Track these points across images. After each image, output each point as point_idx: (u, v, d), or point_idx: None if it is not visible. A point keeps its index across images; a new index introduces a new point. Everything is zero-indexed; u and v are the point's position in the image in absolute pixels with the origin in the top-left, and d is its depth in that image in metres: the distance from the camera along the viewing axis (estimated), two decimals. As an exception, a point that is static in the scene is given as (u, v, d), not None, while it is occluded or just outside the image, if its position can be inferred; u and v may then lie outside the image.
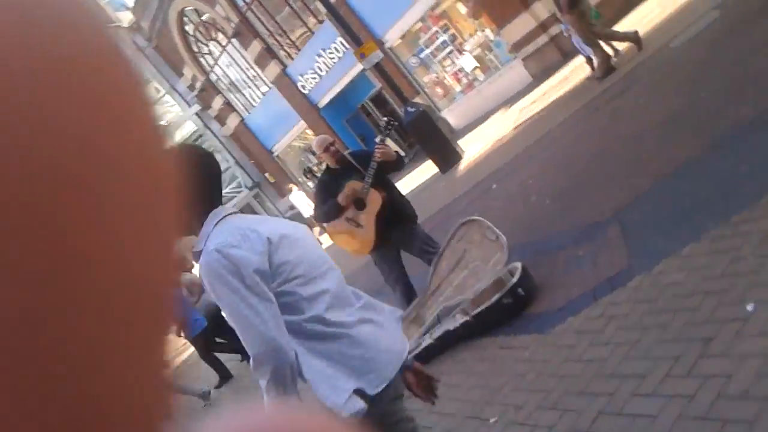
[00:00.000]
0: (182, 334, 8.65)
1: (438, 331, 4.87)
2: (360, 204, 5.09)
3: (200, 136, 27.59)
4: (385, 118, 5.63)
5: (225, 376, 9.17)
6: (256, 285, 2.00)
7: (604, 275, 4.09)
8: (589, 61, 10.24)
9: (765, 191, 3.52)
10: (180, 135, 27.37)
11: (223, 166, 27.07)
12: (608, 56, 9.59)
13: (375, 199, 5.07)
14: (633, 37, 9.30)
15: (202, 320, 8.74)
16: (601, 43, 9.60)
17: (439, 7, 16.80)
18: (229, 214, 2.16)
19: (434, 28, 17.11)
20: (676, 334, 3.00)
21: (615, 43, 9.94)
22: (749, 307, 2.79)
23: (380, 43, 17.08)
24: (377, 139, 5.22)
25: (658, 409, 2.63)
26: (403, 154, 19.36)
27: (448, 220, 7.75)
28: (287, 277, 2.08)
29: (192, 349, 9.55)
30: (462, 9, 16.40)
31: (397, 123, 5.61)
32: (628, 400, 2.82)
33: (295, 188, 19.82)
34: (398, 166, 5.25)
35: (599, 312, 3.70)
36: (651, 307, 3.36)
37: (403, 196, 5.42)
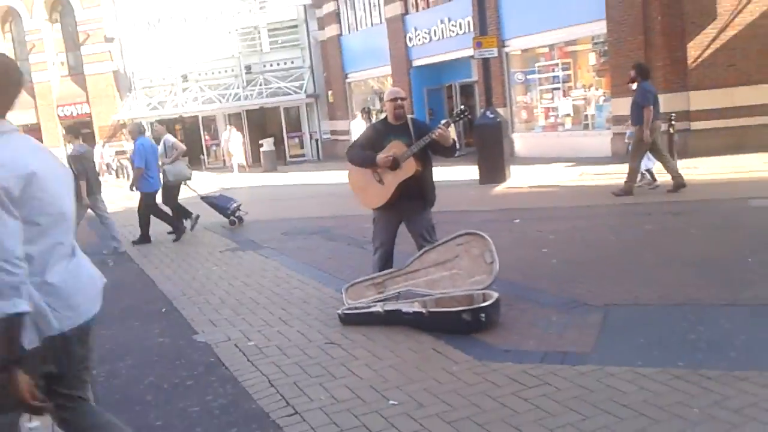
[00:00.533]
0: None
1: (391, 306, 4.90)
2: (394, 164, 5.09)
3: (295, 26, 27.48)
4: (462, 107, 5.59)
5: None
6: (4, 202, 2.09)
7: (561, 347, 4.11)
8: (649, 174, 10.29)
9: (743, 367, 3.54)
10: (277, 17, 27.21)
11: (298, 64, 27.21)
12: (678, 173, 9.62)
13: (409, 168, 5.08)
14: (675, 174, 9.55)
15: (158, 183, 9.93)
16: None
17: (573, 45, 16.57)
18: (10, 131, 2.25)
19: (557, 60, 16.90)
20: (586, 430, 3.01)
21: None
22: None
23: (501, 44, 16.93)
24: (444, 121, 5.21)
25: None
26: (457, 146, 19.31)
27: (458, 224, 7.72)
28: (31, 213, 2.18)
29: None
30: (592, 60, 16.16)
31: (469, 117, 5.57)
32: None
33: (360, 116, 19.80)
34: (448, 153, 5.23)
35: (537, 373, 3.72)
36: (582, 397, 3.37)
37: (432, 179, 5.40)
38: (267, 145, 23.88)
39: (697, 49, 13.43)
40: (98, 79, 29.87)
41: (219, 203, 10.94)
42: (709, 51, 13.38)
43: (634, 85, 9.72)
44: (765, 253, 5.88)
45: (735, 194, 8.98)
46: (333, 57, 25.50)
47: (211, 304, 5.97)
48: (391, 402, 3.53)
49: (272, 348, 4.59)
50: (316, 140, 27.46)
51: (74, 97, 30.48)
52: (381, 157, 5.12)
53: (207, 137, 29.50)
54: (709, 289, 4.97)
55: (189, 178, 10.72)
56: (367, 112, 20.86)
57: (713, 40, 13.33)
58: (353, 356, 4.28)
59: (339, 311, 5.05)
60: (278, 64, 27.79)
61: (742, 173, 10.74)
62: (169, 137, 10.62)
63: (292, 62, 27.69)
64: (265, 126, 28.57)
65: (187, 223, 10.32)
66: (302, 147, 28.17)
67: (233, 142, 24.34)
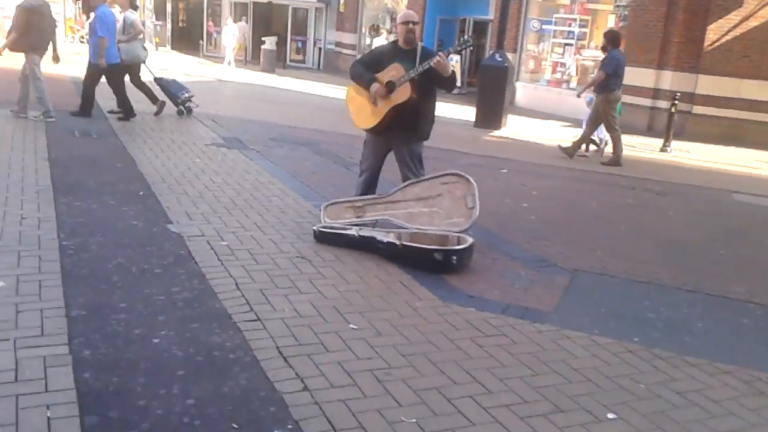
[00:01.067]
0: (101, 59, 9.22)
1: (366, 232, 4.93)
2: (390, 87, 5.05)
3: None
4: (466, 37, 5.46)
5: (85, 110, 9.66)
6: None
7: (524, 303, 4.20)
8: (593, 143, 10.59)
9: (695, 354, 3.65)
10: None
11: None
12: (621, 149, 9.88)
13: (403, 93, 5.04)
14: (617, 152, 9.82)
15: (117, 56, 9.54)
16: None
17: (595, 3, 16.22)
18: None
19: (575, 15, 16.55)
20: (533, 387, 3.12)
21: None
22: (610, 416, 2.91)
23: (523, -13, 16.50)
24: (444, 51, 5.12)
25: (474, 418, 2.76)
26: (459, 83, 19.06)
27: (445, 162, 7.75)
28: None
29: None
30: (611, 22, 15.86)
31: (471, 47, 5.48)
32: (457, 397, 2.94)
33: (385, 32, 19.32)
34: (446, 84, 5.17)
35: (497, 324, 3.81)
36: (536, 354, 3.47)
37: (431, 115, 5.34)
38: (269, 43, 23.28)
39: (716, 32, 13.25)
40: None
41: (171, 89, 10.72)
42: (727, 37, 13.21)
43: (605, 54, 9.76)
44: (737, 248, 6.00)
45: (721, 185, 9.07)
46: (350, -36, 24.69)
47: (189, 195, 5.95)
48: (351, 326, 3.60)
49: (243, 252, 4.62)
50: (320, 48, 26.87)
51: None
52: (375, 86, 5.09)
53: (210, 23, 28.71)
54: (675, 272, 5.07)
55: (143, 61, 10.39)
56: (375, 29, 20.39)
57: (734, 27, 13.14)
58: (321, 275, 4.33)
59: (315, 227, 5.07)
60: (295, -39, 26.86)
61: (732, 165, 10.83)
62: (129, 14, 10.13)
63: (309, -38, 26.79)
64: (270, 23, 27.82)
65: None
66: (304, 53, 27.58)
67: (227, 33, 23.59)
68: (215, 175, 6.84)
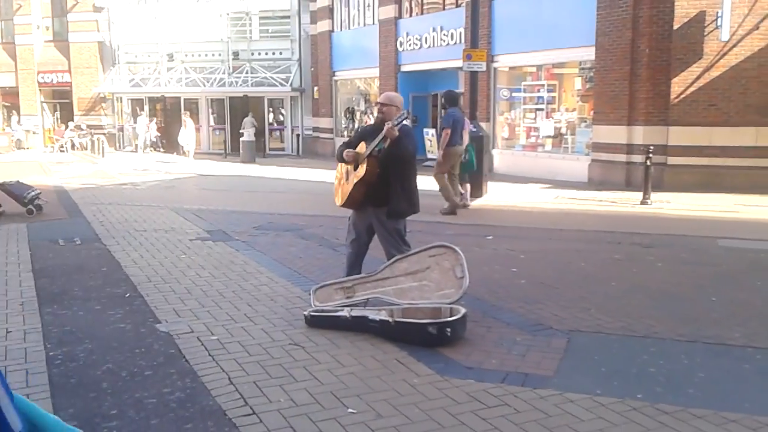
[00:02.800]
0: None
1: (358, 312, 4.89)
2: (354, 163, 5.26)
3: (287, 17, 27.34)
4: (403, 111, 5.47)
5: None
6: None
7: (524, 369, 4.14)
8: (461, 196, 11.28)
9: (700, 405, 3.59)
10: (269, 5, 26.99)
11: (286, 55, 27.02)
12: (452, 195, 10.72)
13: (361, 168, 5.21)
14: (454, 203, 10.67)
15: None
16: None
17: (561, 68, 16.74)
18: None
19: (543, 81, 17.06)
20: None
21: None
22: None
23: (490, 59, 17.01)
24: (389, 123, 5.10)
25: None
26: (434, 156, 19.33)
27: (430, 234, 7.79)
28: None
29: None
30: (578, 84, 16.34)
31: (408, 119, 5.48)
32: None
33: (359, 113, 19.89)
34: (395, 152, 5.11)
35: (497, 393, 3.74)
36: (540, 421, 3.40)
37: (406, 192, 5.25)
38: (247, 135, 23.71)
39: (680, 85, 13.65)
40: (82, 49, 29.40)
41: (15, 191, 10.80)
42: (692, 89, 13.60)
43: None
44: (729, 293, 5.99)
45: (704, 232, 9.13)
46: (322, 52, 25.41)
47: (177, 293, 5.90)
48: (350, 410, 3.52)
49: (235, 344, 4.55)
50: (298, 135, 27.34)
51: (56, 64, 29.97)
52: (346, 151, 5.28)
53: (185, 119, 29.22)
54: (671, 324, 5.04)
55: None
56: (351, 112, 20.83)
57: (697, 78, 13.55)
58: (316, 360, 4.26)
59: (306, 312, 5.03)
60: (266, 54, 27.61)
61: (713, 212, 10.93)
62: None
63: (281, 53, 27.53)
64: (247, 115, 28.38)
65: None
66: (282, 141, 28.05)
67: (185, 130, 24.08)
68: (201, 269, 6.80)
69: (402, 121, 5.30)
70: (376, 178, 5.13)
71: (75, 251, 7.84)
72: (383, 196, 5.21)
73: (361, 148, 5.25)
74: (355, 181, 5.16)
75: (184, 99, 28.40)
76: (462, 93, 18.57)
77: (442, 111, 10.79)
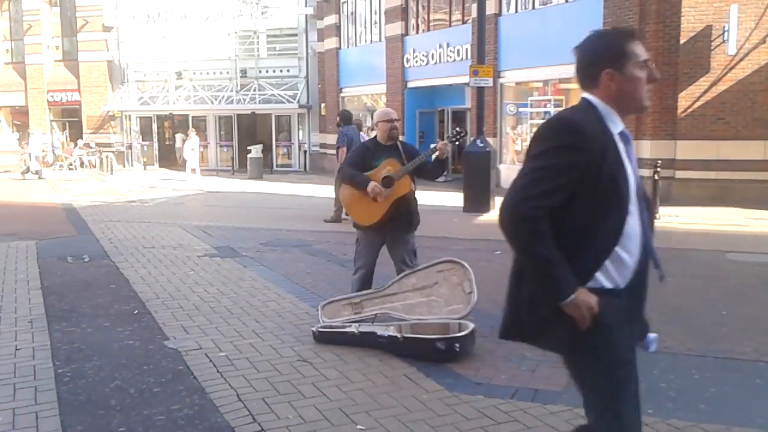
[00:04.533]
0: None
1: (366, 328, 4.88)
2: (388, 182, 5.11)
3: (294, 35, 27.54)
4: (458, 128, 5.61)
5: None
6: None
7: (533, 384, 4.12)
8: None
9: (711, 420, 3.56)
10: (277, 24, 27.21)
11: (294, 73, 27.19)
12: (342, 208, 10.90)
13: (403, 186, 5.13)
14: (337, 212, 11.35)
15: None
16: None
17: (567, 83, 16.77)
18: None
19: (549, 96, 17.09)
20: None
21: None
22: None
23: (497, 74, 17.09)
24: (440, 141, 5.27)
25: None
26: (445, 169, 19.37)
27: (438, 250, 7.78)
28: None
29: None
30: (584, 98, 16.33)
31: (464, 137, 5.62)
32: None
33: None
34: (436, 171, 5.29)
35: (507, 409, 3.72)
36: (551, 437, 3.37)
37: (416, 203, 5.42)
38: (255, 152, 23.85)
39: (687, 99, 13.65)
40: (91, 68, 29.68)
41: None
42: (699, 103, 13.60)
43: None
44: (739, 307, 5.95)
45: (714, 246, 9.09)
46: (329, 70, 25.57)
47: (185, 309, 5.90)
48: (358, 427, 3.50)
49: (243, 361, 4.54)
50: (305, 151, 27.45)
51: (65, 83, 30.25)
52: (372, 185, 5.12)
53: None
54: (681, 338, 5.01)
55: None
56: (358, 127, 20.86)
57: (704, 92, 13.56)
58: (324, 376, 4.25)
59: (314, 328, 5.02)
60: (274, 71, 27.82)
61: (722, 226, 10.90)
62: None
63: (288, 71, 27.72)
64: (255, 132, 28.54)
65: None
66: (289, 157, 28.16)
67: (188, 146, 24.11)
68: (209, 285, 6.81)
69: (459, 139, 5.40)
70: (413, 194, 5.23)
71: (83, 268, 7.87)
72: (406, 211, 5.25)
73: (393, 165, 5.16)
74: (397, 197, 5.14)
75: (192, 117, 28.58)
76: (469, 108, 18.64)
77: (338, 129, 11.67)
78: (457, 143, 5.57)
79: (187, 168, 23.12)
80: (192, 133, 24.65)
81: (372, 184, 5.13)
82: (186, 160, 23.74)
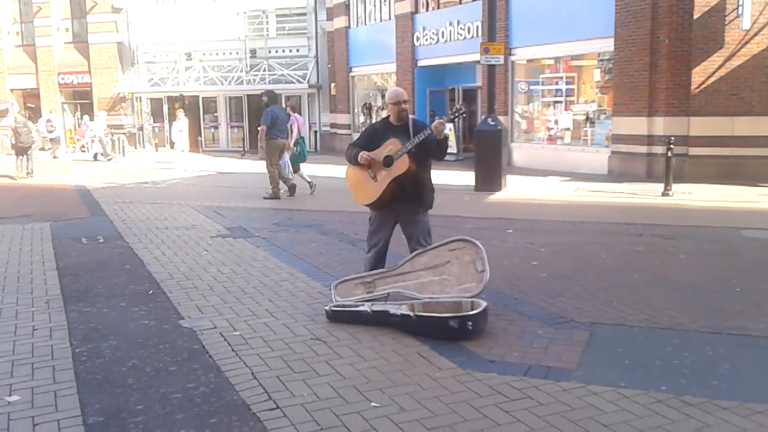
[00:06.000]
0: None
1: (379, 307, 4.90)
2: (388, 162, 5.12)
3: (303, 14, 27.37)
4: (458, 105, 5.57)
5: None
6: None
7: (546, 362, 4.12)
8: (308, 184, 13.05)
9: (725, 396, 3.56)
10: (286, 3, 27.01)
11: (303, 53, 27.05)
12: (278, 186, 12.30)
13: (401, 165, 5.10)
14: (276, 192, 12.26)
15: None
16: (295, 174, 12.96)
17: (579, 60, 16.61)
18: None
19: (561, 74, 16.93)
20: (570, 447, 3.02)
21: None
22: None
23: (508, 52, 16.94)
24: (440, 118, 5.19)
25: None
26: (454, 149, 19.31)
27: (450, 229, 7.77)
28: None
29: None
30: (597, 76, 16.20)
31: (464, 114, 5.57)
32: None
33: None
34: (437, 152, 5.22)
35: (520, 386, 3.73)
36: (563, 414, 3.39)
37: (430, 184, 5.40)
38: (265, 132, 23.74)
39: (701, 75, 13.49)
40: (101, 49, 29.66)
41: None
42: (713, 78, 13.44)
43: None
44: (753, 284, 5.93)
45: (727, 222, 9.04)
46: (339, 49, 25.43)
47: (199, 289, 5.95)
48: (372, 404, 3.53)
49: (257, 339, 4.58)
50: (315, 132, 27.39)
51: (76, 65, 30.26)
52: (361, 154, 5.18)
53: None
54: (695, 315, 5.00)
55: None
56: (368, 108, 20.83)
57: (718, 68, 13.39)
58: (338, 354, 4.28)
59: (327, 307, 5.05)
60: (283, 51, 27.68)
61: (735, 202, 10.82)
62: None
63: (298, 50, 27.57)
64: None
65: None
66: (301, 137, 28.08)
67: (176, 128, 24.13)
68: (223, 265, 6.85)
69: (458, 116, 5.36)
70: (412, 174, 5.14)
71: (98, 249, 7.93)
72: (415, 191, 5.23)
73: (395, 144, 5.14)
74: (394, 176, 5.11)
75: (203, 97, 28.56)
76: (480, 86, 18.52)
77: (264, 108, 12.13)
78: (455, 120, 5.52)
79: (177, 149, 23.19)
80: (180, 113, 24.70)
81: (362, 153, 5.19)
82: (174, 141, 23.83)
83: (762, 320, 4.84)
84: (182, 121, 23.05)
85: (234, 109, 28.96)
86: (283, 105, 16.17)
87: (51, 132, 26.15)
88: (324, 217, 10.11)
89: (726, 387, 3.71)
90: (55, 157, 24.88)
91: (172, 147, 24.47)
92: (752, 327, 4.71)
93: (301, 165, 13.42)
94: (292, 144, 12.70)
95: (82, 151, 27.22)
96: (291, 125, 12.55)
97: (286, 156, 12.64)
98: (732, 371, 3.95)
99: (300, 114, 13.76)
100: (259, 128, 12.13)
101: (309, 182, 13.01)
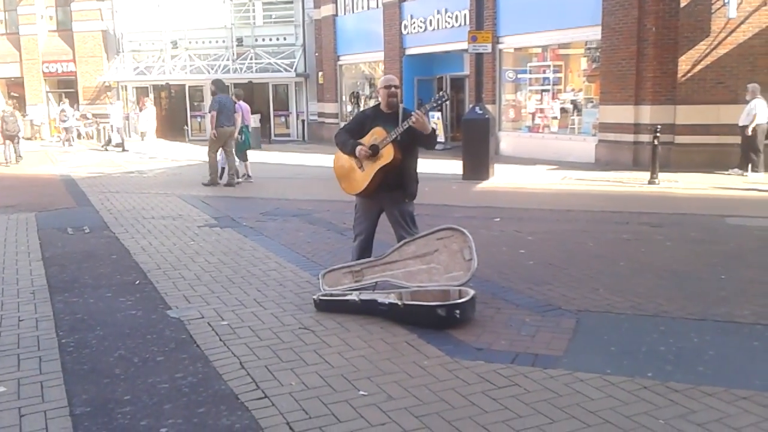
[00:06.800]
0: None
1: (367, 296, 4.90)
2: (374, 150, 5.09)
3: (290, 2, 27.18)
4: (441, 92, 5.55)
5: None
6: None
7: (533, 349, 4.15)
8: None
9: (710, 382, 3.60)
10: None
11: (290, 41, 26.90)
12: (217, 173, 12.72)
13: (387, 154, 5.08)
14: (215, 178, 12.70)
15: None
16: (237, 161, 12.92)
17: (566, 48, 16.62)
18: None
19: (549, 62, 16.95)
20: (556, 434, 3.05)
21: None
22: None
23: (495, 40, 16.92)
24: (421, 108, 5.18)
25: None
26: (442, 138, 19.30)
27: (438, 218, 7.78)
28: None
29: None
30: (584, 64, 16.23)
31: (448, 101, 5.55)
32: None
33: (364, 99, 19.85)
34: (427, 142, 5.19)
35: (507, 374, 3.75)
36: (550, 401, 3.41)
37: (415, 173, 5.38)
38: (253, 121, 23.63)
39: (687, 63, 13.54)
40: (86, 38, 29.35)
41: None
42: (699, 67, 13.50)
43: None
44: (738, 271, 5.98)
45: (713, 210, 9.11)
46: (326, 37, 25.29)
47: (186, 279, 5.93)
48: (361, 392, 3.54)
49: (245, 329, 4.57)
50: (303, 120, 27.28)
51: (60, 54, 29.95)
52: (359, 148, 5.13)
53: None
54: (680, 303, 5.04)
55: None
56: (355, 97, 20.75)
57: (704, 56, 13.45)
58: (326, 343, 4.28)
59: (315, 297, 5.04)
60: (270, 40, 27.50)
61: (721, 190, 10.90)
62: None
63: (285, 39, 27.41)
64: (252, 102, 28.29)
65: None
66: (287, 127, 27.98)
67: (143, 117, 24.09)
68: (210, 255, 6.83)
69: (441, 103, 5.33)
70: (398, 163, 5.12)
71: (84, 239, 7.88)
72: (398, 180, 5.20)
73: (380, 133, 5.12)
74: (380, 166, 5.09)
75: (189, 86, 28.34)
76: (468, 75, 18.49)
77: (212, 96, 12.42)
78: (440, 108, 5.50)
79: (146, 138, 23.14)
80: (149, 102, 24.62)
81: (359, 147, 5.14)
82: (143, 132, 23.83)
83: (746, 307, 4.89)
84: (149, 110, 23.00)
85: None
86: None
87: (64, 121, 26.22)
88: (311, 206, 10.09)
89: (711, 373, 3.75)
90: (70, 145, 25.37)
91: (142, 138, 24.45)
92: (737, 313, 4.76)
93: (248, 153, 13.70)
94: (236, 133, 12.77)
95: (67, 141, 26.99)
96: (235, 114, 12.72)
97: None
98: (717, 357, 3.99)
99: (247, 103, 13.73)
100: (208, 114, 12.43)
101: (246, 173, 13.34)
